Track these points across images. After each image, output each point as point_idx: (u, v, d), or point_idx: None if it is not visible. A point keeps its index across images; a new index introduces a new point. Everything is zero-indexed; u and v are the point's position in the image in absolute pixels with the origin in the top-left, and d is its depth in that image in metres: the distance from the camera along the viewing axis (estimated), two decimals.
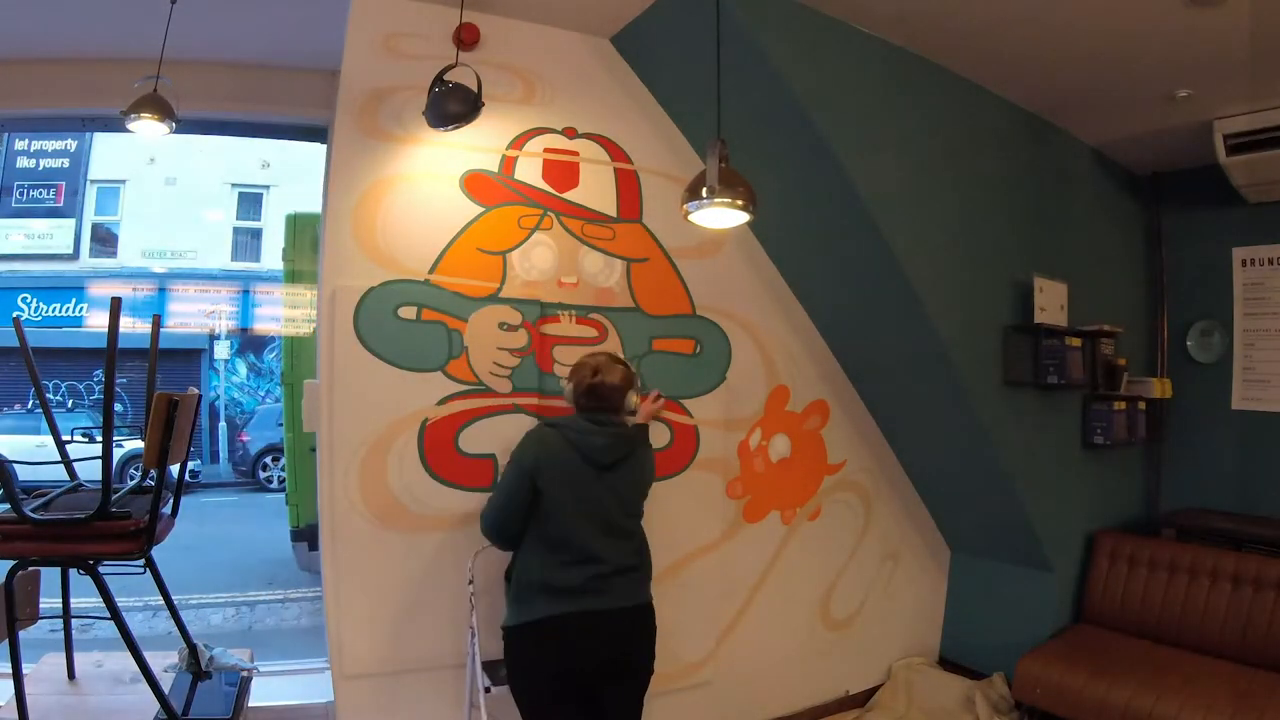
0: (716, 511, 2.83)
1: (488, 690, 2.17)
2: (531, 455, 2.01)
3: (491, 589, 2.29)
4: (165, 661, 2.34)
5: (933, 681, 3.24)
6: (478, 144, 2.44)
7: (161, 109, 2.23)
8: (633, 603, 2.05)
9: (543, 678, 1.95)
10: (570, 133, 2.61)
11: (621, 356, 2.22)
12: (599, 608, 1.97)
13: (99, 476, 1.83)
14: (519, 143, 2.52)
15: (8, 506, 1.81)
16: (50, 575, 2.08)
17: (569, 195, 2.59)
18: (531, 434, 2.08)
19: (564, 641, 1.94)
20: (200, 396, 2.13)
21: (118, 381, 1.99)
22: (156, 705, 1.95)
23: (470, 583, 2.28)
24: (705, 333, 2.79)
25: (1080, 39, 2.52)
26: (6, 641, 1.88)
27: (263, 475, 10.74)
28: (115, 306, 1.81)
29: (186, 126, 2.39)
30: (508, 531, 2.05)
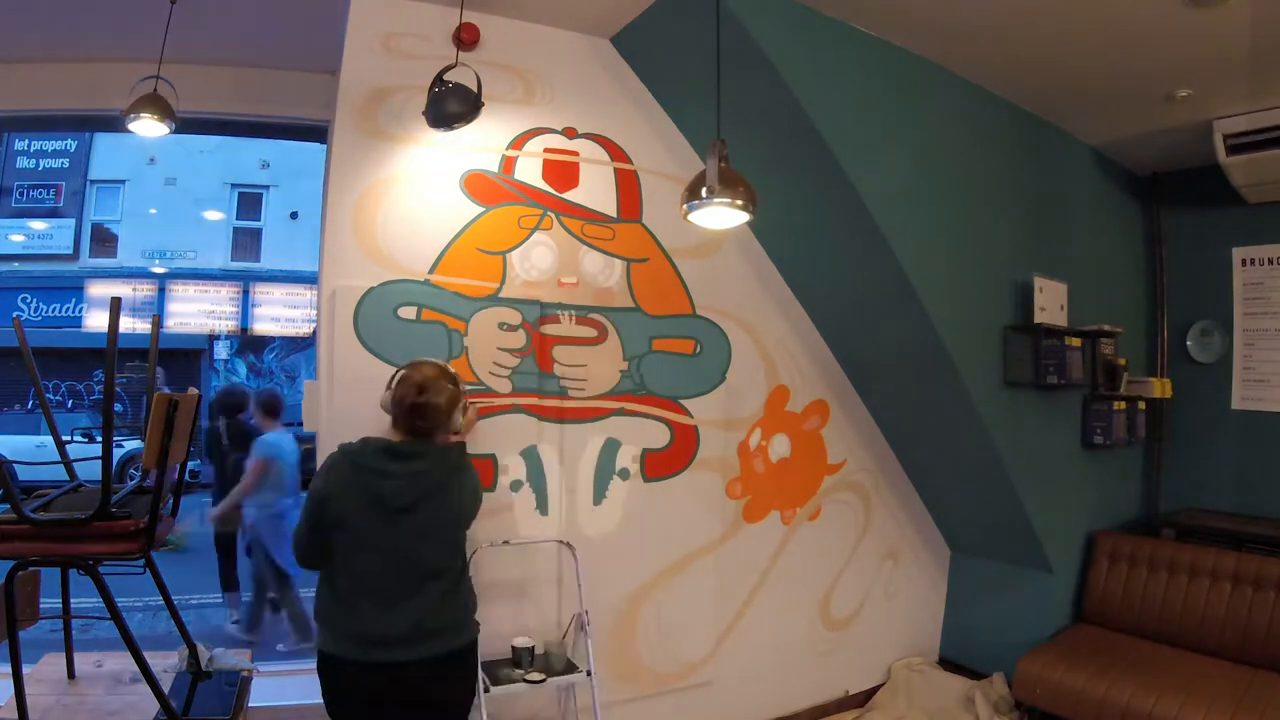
0: (716, 511, 2.83)
1: (487, 690, 2.17)
2: (321, 487, 1.82)
3: (489, 589, 2.29)
4: (165, 661, 2.34)
5: (932, 681, 3.24)
6: (478, 144, 2.44)
7: (161, 109, 2.23)
8: (434, 653, 1.82)
9: (341, 709, 1.84)
10: (570, 133, 2.61)
11: (450, 370, 1.97)
12: (390, 659, 1.78)
13: (98, 476, 1.83)
14: (519, 143, 2.52)
15: (8, 506, 1.81)
16: (50, 575, 2.08)
17: (569, 195, 2.59)
18: (326, 462, 1.87)
19: (353, 684, 1.80)
20: (200, 396, 2.12)
21: (118, 381, 1.99)
22: (156, 705, 1.94)
23: None
24: (705, 333, 2.79)
25: (1080, 39, 2.52)
26: (6, 641, 1.88)
27: None
28: (115, 306, 1.80)
29: (186, 126, 2.39)
30: (308, 559, 1.88)
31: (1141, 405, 3.50)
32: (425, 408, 1.85)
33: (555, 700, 2.50)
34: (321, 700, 1.86)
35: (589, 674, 2.31)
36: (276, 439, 4.06)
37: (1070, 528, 3.29)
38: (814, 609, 3.14)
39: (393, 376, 1.95)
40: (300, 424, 2.41)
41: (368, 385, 2.24)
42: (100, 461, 1.81)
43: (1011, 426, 2.95)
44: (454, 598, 1.89)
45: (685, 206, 1.94)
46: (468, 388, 2.36)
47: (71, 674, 2.27)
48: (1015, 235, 3.06)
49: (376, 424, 2.25)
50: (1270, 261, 3.47)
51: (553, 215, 2.55)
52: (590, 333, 2.58)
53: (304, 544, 1.87)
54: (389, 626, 1.78)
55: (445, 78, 2.16)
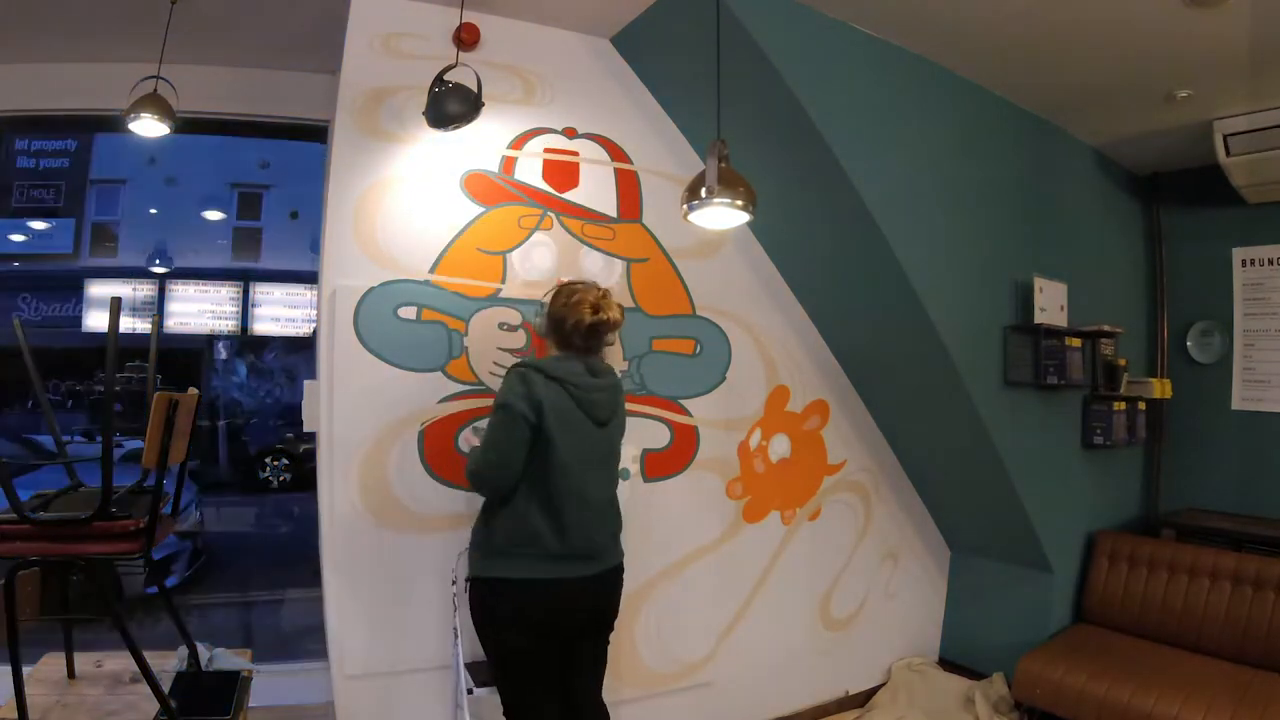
0: (716, 511, 2.83)
1: (470, 691, 2.17)
2: (537, 404, 1.83)
3: None
4: (165, 662, 2.34)
5: (932, 681, 3.24)
6: (478, 144, 2.44)
7: (161, 109, 2.23)
8: (614, 563, 2.02)
9: (521, 634, 1.88)
10: (570, 133, 2.61)
11: (605, 287, 2.03)
12: (589, 573, 1.93)
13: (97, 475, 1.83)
14: (519, 143, 2.52)
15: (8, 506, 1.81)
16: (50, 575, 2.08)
17: (569, 195, 2.59)
18: (523, 377, 1.86)
19: (550, 603, 1.89)
20: (200, 396, 2.13)
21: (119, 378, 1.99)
22: (156, 705, 1.95)
23: (454, 583, 2.28)
24: (705, 333, 2.79)
25: (1080, 39, 2.52)
26: (7, 641, 1.88)
27: (261, 475, 10.74)
28: (115, 306, 1.80)
29: (186, 126, 2.39)
30: (505, 484, 1.87)
31: (1141, 405, 3.50)
32: (605, 324, 1.93)
33: None
34: (480, 633, 1.92)
35: None
36: None
37: (1070, 528, 3.29)
38: (814, 609, 3.14)
39: (545, 300, 2.02)
40: None
41: (368, 385, 2.25)
42: (100, 462, 1.81)
43: (1011, 426, 2.95)
44: (619, 512, 2.06)
45: (685, 206, 1.94)
46: (469, 387, 2.37)
47: (71, 674, 2.27)
48: (1015, 235, 3.06)
49: (376, 423, 2.26)
50: (1270, 261, 3.47)
51: (553, 215, 2.55)
52: None
53: (496, 466, 1.85)
54: (595, 535, 1.93)
55: (445, 78, 2.16)
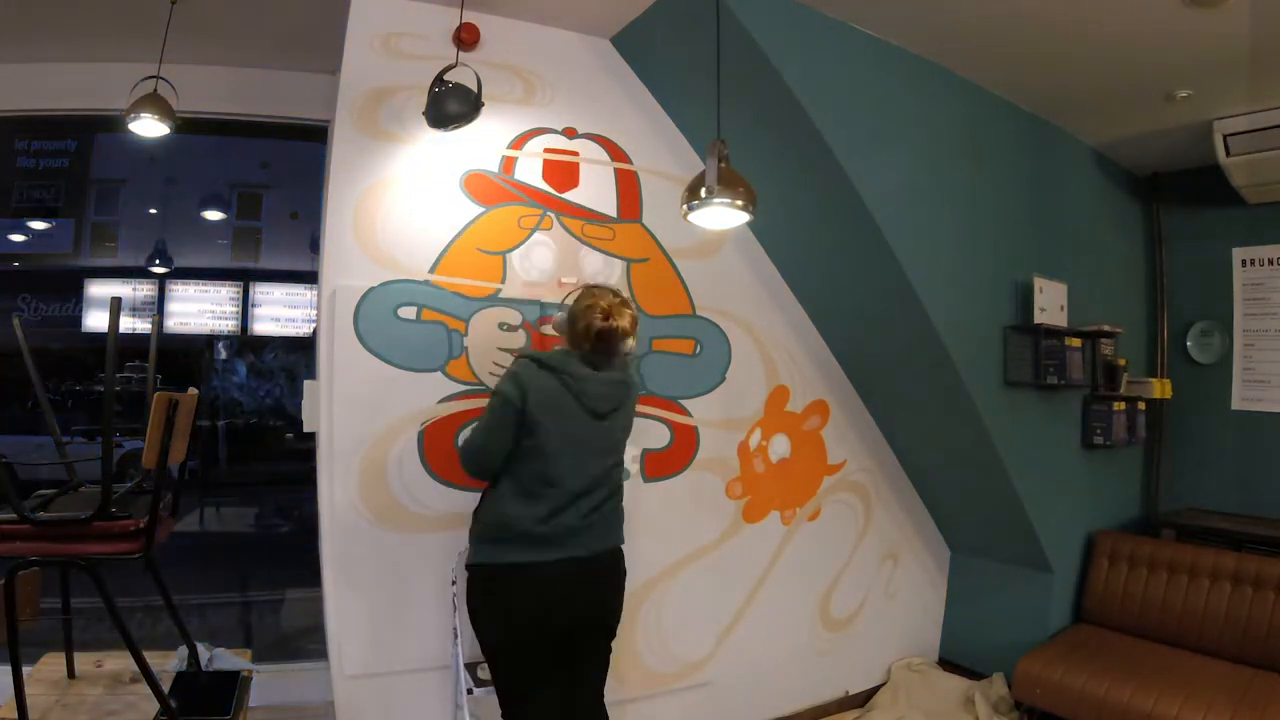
0: (716, 512, 2.83)
1: (470, 691, 2.17)
2: (524, 390, 1.89)
3: None
4: (165, 662, 2.35)
5: (932, 682, 3.24)
6: (478, 144, 2.44)
7: (161, 109, 2.23)
8: (608, 545, 2.02)
9: (515, 624, 1.89)
10: (570, 133, 2.61)
11: (623, 294, 2.09)
12: (577, 555, 1.92)
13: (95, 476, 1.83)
14: (519, 143, 2.52)
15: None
16: (50, 575, 2.08)
17: (569, 195, 2.59)
18: (523, 369, 1.94)
19: (539, 588, 1.89)
20: (199, 396, 2.13)
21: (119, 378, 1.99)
22: (156, 705, 1.95)
23: (454, 583, 2.28)
24: (705, 333, 2.79)
25: (1080, 39, 2.52)
26: (7, 641, 1.88)
27: None
28: (115, 306, 1.80)
29: (186, 126, 2.39)
30: (490, 465, 1.96)
31: (1141, 405, 3.50)
32: (614, 332, 1.97)
33: None
34: (475, 627, 1.93)
35: None
36: None
37: (1070, 528, 3.29)
38: (814, 609, 3.14)
39: (568, 300, 2.07)
40: None
41: (368, 385, 2.25)
42: (100, 461, 1.81)
43: (1011, 426, 2.95)
44: (620, 500, 2.07)
45: (685, 207, 1.94)
46: (469, 387, 2.37)
47: (71, 674, 2.27)
48: (1015, 235, 3.06)
49: (376, 423, 2.26)
50: (1270, 261, 3.47)
51: (553, 215, 2.55)
52: None
53: (487, 449, 1.93)
54: (579, 523, 1.92)
55: (445, 78, 2.16)
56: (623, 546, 2.08)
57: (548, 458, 1.90)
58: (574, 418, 1.93)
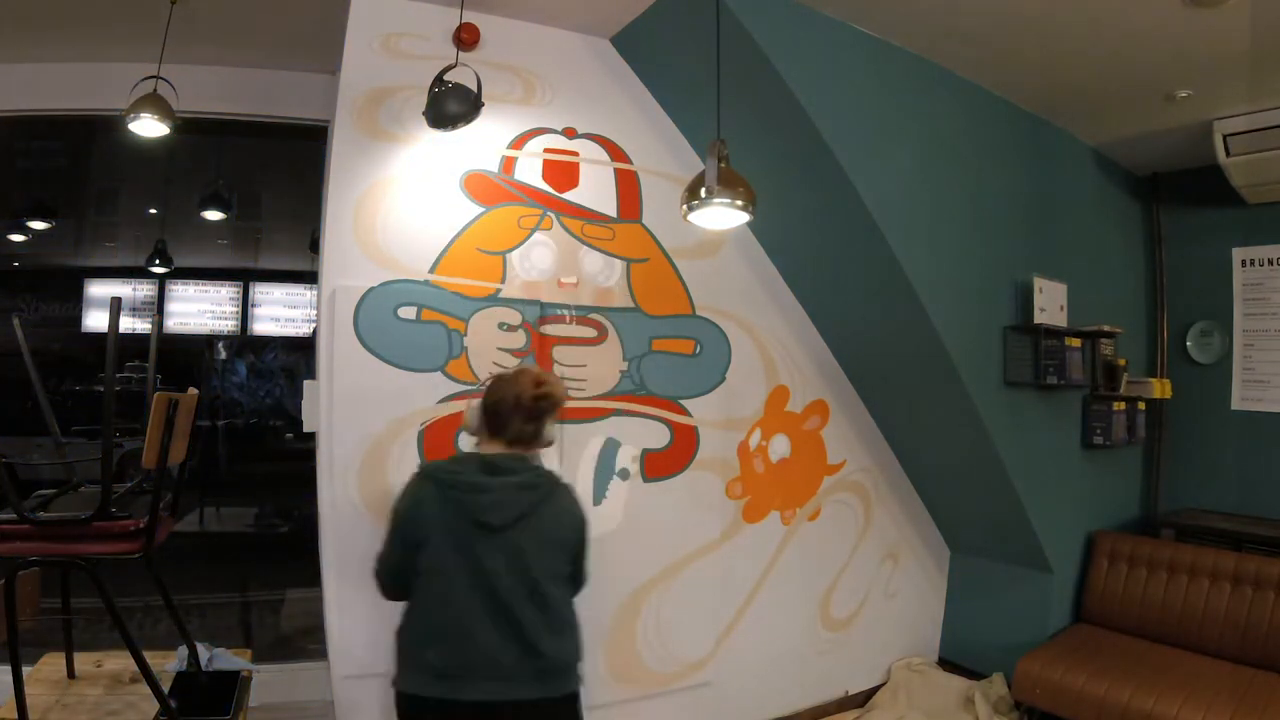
0: (716, 512, 2.83)
1: None
2: (404, 508, 1.69)
3: None
4: (165, 662, 2.35)
5: (932, 682, 3.24)
6: (477, 144, 2.44)
7: (161, 109, 2.23)
8: (535, 696, 1.63)
9: None
10: (570, 133, 2.61)
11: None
12: (484, 698, 1.59)
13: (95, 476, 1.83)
14: (519, 143, 2.52)
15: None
16: (50, 575, 2.08)
17: (569, 195, 2.59)
18: (409, 484, 1.73)
19: None
20: (199, 396, 2.13)
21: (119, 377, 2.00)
22: (156, 705, 1.95)
23: None
24: (705, 333, 2.79)
25: (1080, 39, 2.52)
26: (7, 641, 1.88)
27: None
28: (115, 306, 1.80)
29: (186, 126, 2.39)
30: (394, 588, 1.73)
31: (1141, 405, 3.50)
32: (550, 397, 1.73)
33: None
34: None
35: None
36: None
37: (1070, 528, 3.29)
38: (814, 609, 3.14)
39: (481, 390, 1.84)
40: None
41: (368, 385, 2.25)
42: (100, 461, 1.81)
43: (1011, 426, 2.95)
44: (563, 637, 1.69)
45: (685, 207, 1.94)
46: (468, 387, 2.37)
47: (71, 674, 2.27)
48: (1015, 235, 3.07)
49: (376, 423, 2.26)
50: (1270, 261, 3.48)
51: (553, 215, 2.55)
52: (590, 333, 2.58)
53: (387, 572, 1.73)
54: (487, 663, 1.60)
55: (445, 78, 2.16)
56: (576, 691, 1.71)
57: (437, 583, 1.63)
58: (463, 536, 1.63)
